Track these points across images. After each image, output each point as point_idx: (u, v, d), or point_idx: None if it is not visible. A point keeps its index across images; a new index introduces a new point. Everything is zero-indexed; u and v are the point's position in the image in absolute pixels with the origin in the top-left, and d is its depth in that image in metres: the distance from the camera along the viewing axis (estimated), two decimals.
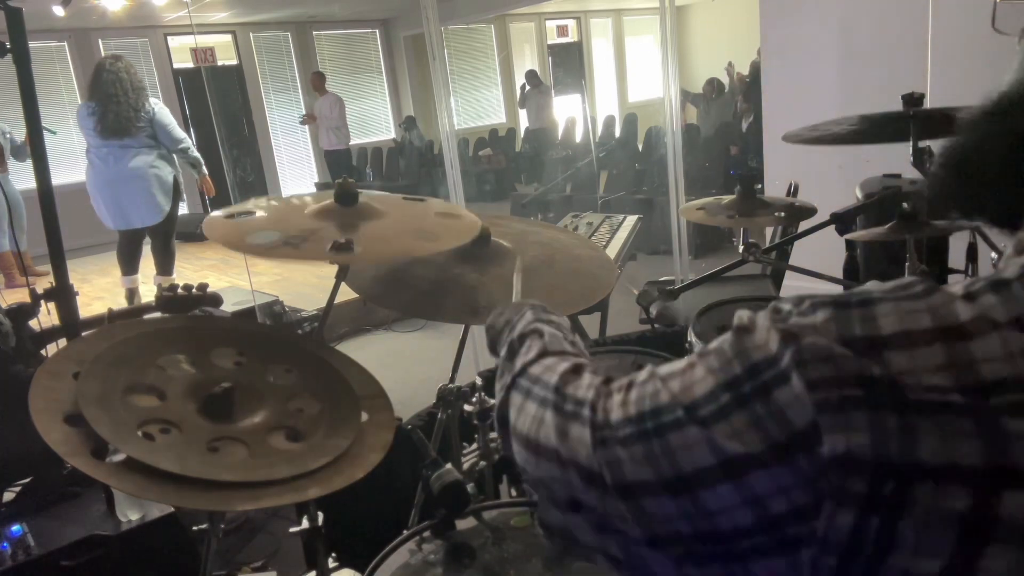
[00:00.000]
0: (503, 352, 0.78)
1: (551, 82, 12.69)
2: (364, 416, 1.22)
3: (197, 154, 5.18)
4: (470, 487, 1.44)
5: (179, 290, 2.04)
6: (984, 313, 0.45)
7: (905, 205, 1.90)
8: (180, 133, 5.09)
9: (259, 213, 1.42)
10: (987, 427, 0.43)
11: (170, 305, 2.02)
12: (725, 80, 10.22)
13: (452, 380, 1.73)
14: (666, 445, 0.51)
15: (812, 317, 0.48)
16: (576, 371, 0.65)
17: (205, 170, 5.29)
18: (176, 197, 5.12)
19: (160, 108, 5.00)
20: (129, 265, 5.35)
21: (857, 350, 0.46)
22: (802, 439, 0.46)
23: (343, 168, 9.01)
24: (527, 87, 11.22)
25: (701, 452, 0.50)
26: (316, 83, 9.19)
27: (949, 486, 0.43)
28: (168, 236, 5.25)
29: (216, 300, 2.09)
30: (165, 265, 5.31)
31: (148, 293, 5.38)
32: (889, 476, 0.44)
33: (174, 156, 5.08)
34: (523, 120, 11.88)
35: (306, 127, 10.34)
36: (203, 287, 2.06)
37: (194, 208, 9.58)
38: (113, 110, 4.76)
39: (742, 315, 0.53)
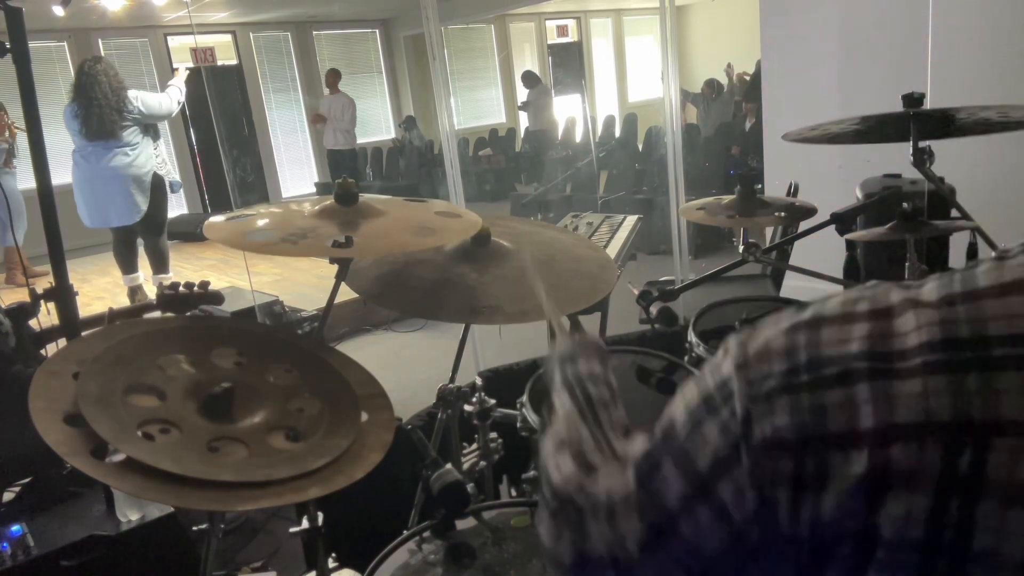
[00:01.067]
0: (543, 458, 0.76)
1: (551, 82, 12.68)
2: (364, 416, 1.22)
3: (178, 94, 5.15)
4: (470, 487, 1.44)
5: (180, 288, 2.04)
6: (911, 296, 0.50)
7: (905, 205, 1.90)
8: (165, 107, 5.05)
9: (261, 223, 1.43)
10: (878, 390, 0.47)
11: (171, 304, 2.02)
12: (724, 81, 10.22)
13: (452, 380, 1.73)
14: (651, 489, 0.57)
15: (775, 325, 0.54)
16: (588, 471, 0.67)
17: (178, 81, 5.24)
18: (158, 196, 5.10)
19: (144, 99, 4.98)
20: (127, 264, 5.37)
21: (798, 328, 0.52)
22: (742, 431, 0.51)
23: (346, 168, 8.99)
24: (528, 93, 11.17)
25: (676, 480, 0.55)
26: (331, 80, 9.15)
27: (851, 452, 0.47)
28: (156, 234, 5.26)
29: (217, 298, 2.08)
30: (158, 263, 5.33)
31: (152, 291, 5.41)
32: (808, 452, 0.48)
33: (156, 153, 5.06)
34: (523, 120, 11.88)
35: (306, 126, 10.33)
36: (204, 285, 2.05)
37: (194, 208, 9.59)
38: (96, 113, 4.81)
39: (726, 341, 0.58)
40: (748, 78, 9.52)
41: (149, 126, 5.06)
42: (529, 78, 11.14)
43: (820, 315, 0.52)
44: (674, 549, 0.56)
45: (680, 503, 0.55)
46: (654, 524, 0.56)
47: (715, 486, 0.53)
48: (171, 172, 5.24)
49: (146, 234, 5.24)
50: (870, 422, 0.47)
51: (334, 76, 9.15)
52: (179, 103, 5.12)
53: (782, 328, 0.53)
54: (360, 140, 10.14)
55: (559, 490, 0.66)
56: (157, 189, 5.09)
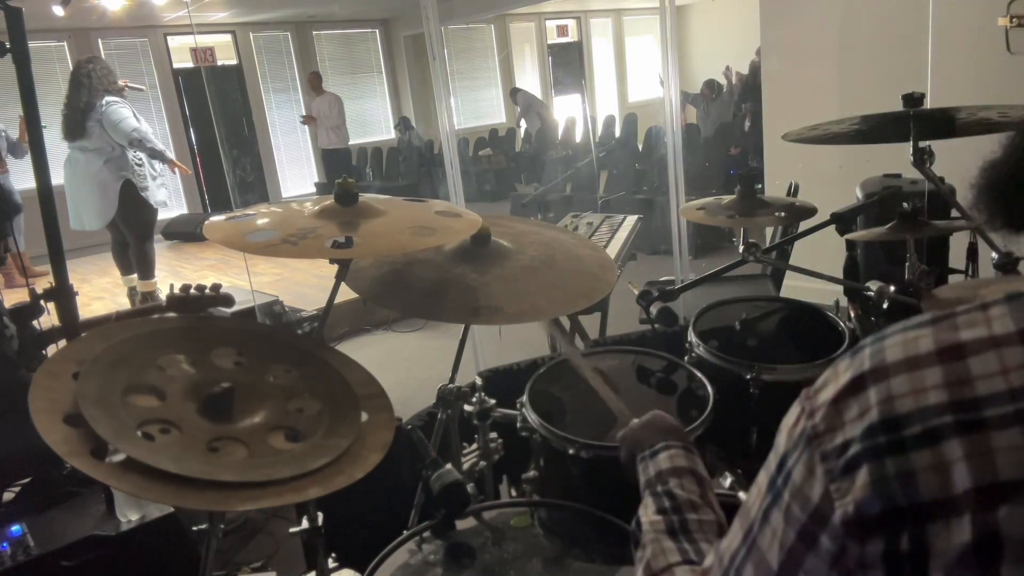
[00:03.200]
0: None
1: (551, 81, 12.69)
2: (364, 416, 1.22)
3: (155, 145, 5.08)
4: (470, 487, 1.44)
5: (191, 290, 2.02)
6: (981, 334, 0.45)
7: (905, 205, 1.90)
8: (128, 127, 4.90)
9: (261, 223, 1.43)
10: (972, 446, 0.41)
11: (181, 306, 2.00)
12: (723, 82, 10.23)
13: (452, 380, 1.73)
14: None
15: (835, 376, 0.49)
16: None
17: (170, 155, 5.26)
18: (131, 204, 5.01)
19: (110, 108, 4.87)
20: (124, 265, 5.38)
21: (863, 382, 0.47)
22: (819, 513, 0.46)
23: (342, 168, 9.00)
24: (518, 110, 11.27)
25: None
26: (313, 83, 9.19)
27: (951, 519, 0.41)
28: (138, 239, 5.21)
29: (228, 300, 2.07)
30: (141, 269, 5.29)
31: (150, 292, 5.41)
32: (901, 526, 0.43)
33: (129, 158, 4.97)
34: (523, 123, 11.92)
35: (306, 127, 10.34)
36: (216, 287, 2.04)
37: (194, 208, 9.59)
38: (66, 112, 4.84)
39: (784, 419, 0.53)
40: (744, 76, 9.52)
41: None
42: (512, 93, 11.28)
43: (882, 363, 0.46)
44: None
45: None
46: None
47: None
48: (158, 191, 5.12)
49: (130, 238, 5.22)
50: (968, 483, 0.41)
51: (316, 79, 9.20)
52: (140, 136, 4.94)
53: (842, 385, 0.47)
54: (360, 140, 10.17)
55: None
56: (130, 198, 4.97)
